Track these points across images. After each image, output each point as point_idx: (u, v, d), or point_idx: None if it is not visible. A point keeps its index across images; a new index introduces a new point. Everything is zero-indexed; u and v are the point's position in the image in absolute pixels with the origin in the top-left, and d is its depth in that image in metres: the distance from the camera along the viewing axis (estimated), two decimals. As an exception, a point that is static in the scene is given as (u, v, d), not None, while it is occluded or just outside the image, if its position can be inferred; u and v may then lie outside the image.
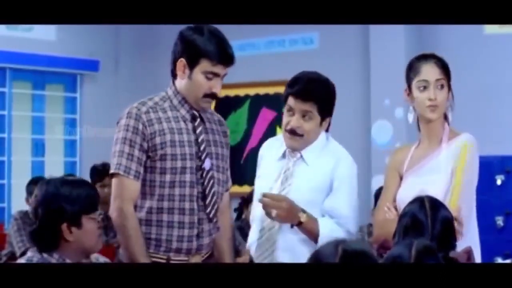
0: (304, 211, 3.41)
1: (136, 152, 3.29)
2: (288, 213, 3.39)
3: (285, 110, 3.55)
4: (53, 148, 8.74)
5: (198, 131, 3.40)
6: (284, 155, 3.58)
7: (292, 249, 3.45)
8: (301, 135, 3.50)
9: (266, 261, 3.48)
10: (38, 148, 8.68)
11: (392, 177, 3.41)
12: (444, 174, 3.26)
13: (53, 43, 8.46)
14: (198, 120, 3.42)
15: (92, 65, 8.72)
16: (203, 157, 3.38)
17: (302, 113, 3.48)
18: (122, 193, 3.29)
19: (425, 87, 3.31)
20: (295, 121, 3.49)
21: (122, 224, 3.27)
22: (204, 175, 3.37)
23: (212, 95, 3.37)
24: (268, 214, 3.39)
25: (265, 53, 8.35)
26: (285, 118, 3.54)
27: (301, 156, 3.54)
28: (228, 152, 3.56)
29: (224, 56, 3.33)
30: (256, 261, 3.52)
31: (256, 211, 3.59)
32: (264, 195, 3.40)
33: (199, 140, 3.39)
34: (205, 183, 3.37)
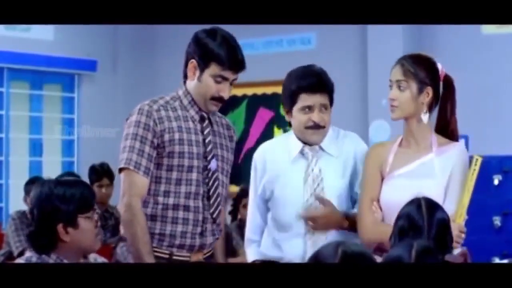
0: (347, 216, 3.48)
1: (147, 149, 3.31)
2: (326, 226, 3.46)
3: (297, 108, 3.49)
4: (51, 148, 8.74)
5: (206, 132, 3.43)
6: (302, 154, 3.56)
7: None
8: (324, 127, 3.51)
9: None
10: (36, 148, 8.67)
11: (373, 176, 3.38)
12: (437, 180, 3.26)
13: (51, 43, 8.46)
14: (207, 121, 3.45)
15: (90, 65, 8.72)
16: (209, 158, 3.40)
17: (321, 106, 3.49)
18: (131, 189, 3.31)
19: (390, 87, 3.37)
20: (317, 115, 3.48)
21: (129, 220, 3.30)
22: (209, 175, 3.40)
23: (219, 99, 3.40)
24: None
25: (263, 53, 8.35)
26: (302, 116, 3.49)
27: (321, 148, 3.55)
28: (232, 157, 3.58)
29: (234, 61, 3.37)
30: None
31: (286, 218, 3.56)
32: (304, 215, 3.47)
33: (206, 141, 3.42)
34: (210, 184, 3.40)
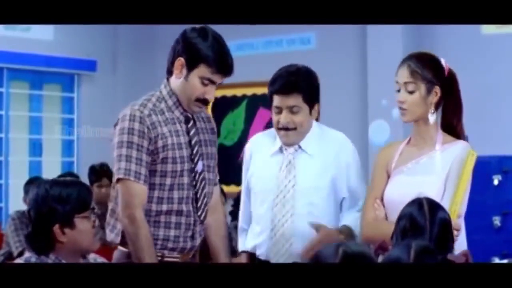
0: (341, 231, 3.48)
1: (144, 156, 3.26)
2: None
3: (272, 108, 3.59)
4: (51, 148, 8.73)
5: (191, 133, 3.40)
6: (280, 150, 3.60)
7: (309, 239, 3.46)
8: (294, 128, 3.53)
9: (283, 258, 3.49)
10: (36, 148, 8.66)
11: (379, 175, 3.39)
12: (437, 177, 3.25)
13: (51, 43, 8.45)
14: (191, 122, 3.42)
15: (89, 65, 8.71)
16: (196, 160, 3.38)
17: (289, 108, 3.51)
18: (134, 200, 3.24)
19: (399, 90, 3.32)
20: (284, 118, 3.53)
21: (134, 232, 3.22)
22: (196, 177, 3.38)
23: (204, 101, 3.36)
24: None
25: (263, 53, 8.35)
26: (274, 117, 3.58)
27: (300, 147, 3.56)
28: (216, 150, 3.56)
29: (223, 66, 3.33)
30: (273, 259, 3.53)
31: (260, 211, 3.60)
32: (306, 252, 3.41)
33: (192, 142, 3.39)
34: (198, 186, 3.38)
